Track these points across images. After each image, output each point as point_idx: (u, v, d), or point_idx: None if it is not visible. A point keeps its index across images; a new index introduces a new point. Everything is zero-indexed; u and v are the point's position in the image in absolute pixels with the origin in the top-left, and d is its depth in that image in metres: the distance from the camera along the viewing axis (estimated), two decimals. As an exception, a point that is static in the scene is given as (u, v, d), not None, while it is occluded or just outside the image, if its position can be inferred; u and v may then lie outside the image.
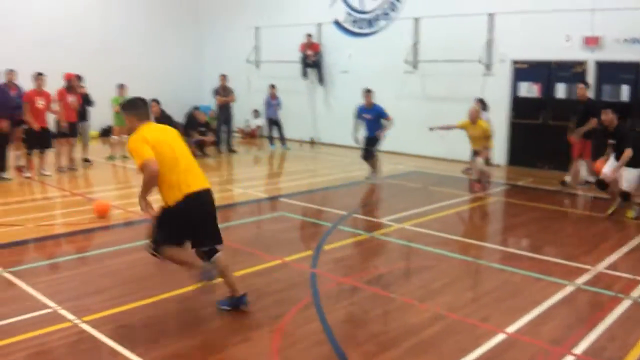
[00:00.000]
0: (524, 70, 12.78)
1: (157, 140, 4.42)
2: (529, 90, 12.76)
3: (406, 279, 5.84)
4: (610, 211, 8.32)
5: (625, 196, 8.13)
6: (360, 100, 10.89)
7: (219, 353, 4.08)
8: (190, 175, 4.56)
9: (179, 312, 4.80)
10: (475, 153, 10.45)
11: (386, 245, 6.99)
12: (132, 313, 4.72)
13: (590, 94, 11.33)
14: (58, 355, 4.04)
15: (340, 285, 5.51)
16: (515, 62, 12.83)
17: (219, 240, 4.70)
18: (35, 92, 10.46)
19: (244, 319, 4.69)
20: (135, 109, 4.62)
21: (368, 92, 10.86)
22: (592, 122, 9.83)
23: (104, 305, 4.83)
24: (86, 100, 12.13)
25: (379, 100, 11.88)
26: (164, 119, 9.09)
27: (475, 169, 10.51)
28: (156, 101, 8.92)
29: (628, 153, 7.87)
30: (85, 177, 11.04)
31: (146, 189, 4.42)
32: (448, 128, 10.59)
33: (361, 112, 10.89)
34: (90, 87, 12.59)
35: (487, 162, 10.87)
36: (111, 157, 12.94)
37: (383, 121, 10.74)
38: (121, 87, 13.17)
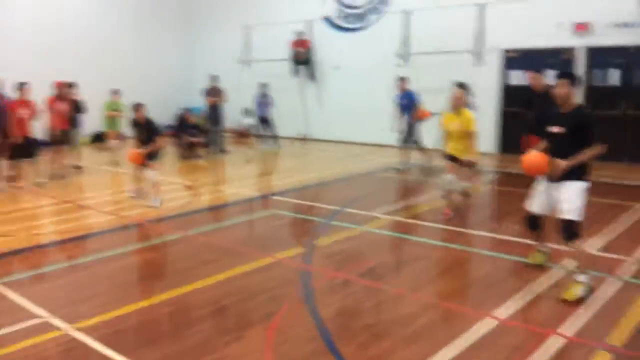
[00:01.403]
0: (515, 59, 12.80)
1: None
2: (520, 78, 12.77)
3: (398, 270, 5.85)
4: (533, 261, 5.71)
5: (569, 231, 4.93)
6: (351, 95, 11.06)
7: (213, 353, 4.07)
8: None
9: (171, 314, 4.79)
10: (452, 160, 7.56)
11: (379, 238, 6.99)
12: (124, 318, 4.71)
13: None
14: (50, 364, 4.03)
15: (333, 279, 5.52)
16: (506, 51, 12.85)
17: None
18: (17, 102, 10.37)
19: (237, 318, 4.70)
20: None
21: (401, 80, 11.57)
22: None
23: (96, 311, 4.82)
24: (78, 107, 12.10)
25: (371, 94, 11.95)
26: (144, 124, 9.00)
27: (447, 189, 7.73)
28: (139, 105, 8.90)
29: (595, 150, 4.80)
30: (76, 183, 11.00)
31: None
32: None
33: (399, 99, 11.61)
34: (81, 92, 12.50)
35: (472, 165, 7.75)
36: (115, 162, 12.81)
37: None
38: (115, 92, 13.13)
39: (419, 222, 7.58)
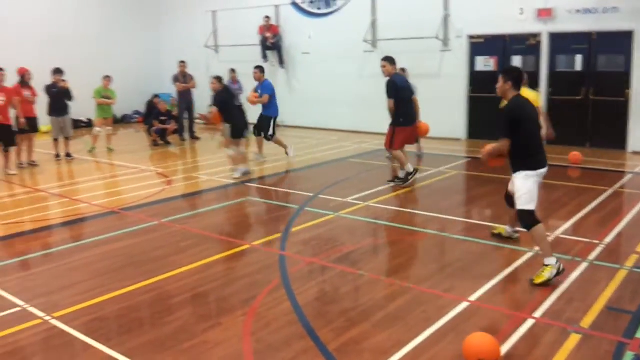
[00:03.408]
0: (480, 45, 12.98)
1: None
2: (486, 64, 12.99)
3: (373, 255, 5.98)
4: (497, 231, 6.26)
5: (521, 222, 5.21)
6: (322, 81, 11.08)
7: (192, 339, 4.14)
8: None
9: (150, 301, 4.84)
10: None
11: (353, 224, 7.10)
12: (104, 306, 4.74)
13: (544, 65, 11.65)
14: (30, 353, 4.04)
15: (309, 265, 5.61)
16: (471, 37, 13.02)
17: None
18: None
19: (215, 305, 4.77)
20: None
21: (257, 69, 11.14)
22: (389, 104, 8.63)
23: (74, 300, 4.84)
24: (66, 95, 11.75)
25: (341, 79, 11.98)
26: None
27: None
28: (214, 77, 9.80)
29: (498, 144, 5.10)
30: (51, 172, 10.80)
31: None
32: None
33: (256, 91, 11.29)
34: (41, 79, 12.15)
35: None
36: (92, 149, 12.71)
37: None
38: (106, 78, 12.99)
39: (392, 207, 7.72)
